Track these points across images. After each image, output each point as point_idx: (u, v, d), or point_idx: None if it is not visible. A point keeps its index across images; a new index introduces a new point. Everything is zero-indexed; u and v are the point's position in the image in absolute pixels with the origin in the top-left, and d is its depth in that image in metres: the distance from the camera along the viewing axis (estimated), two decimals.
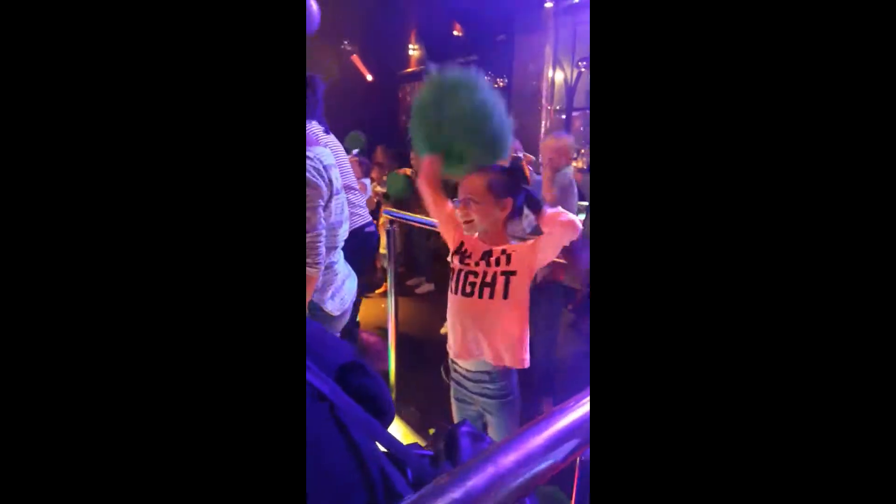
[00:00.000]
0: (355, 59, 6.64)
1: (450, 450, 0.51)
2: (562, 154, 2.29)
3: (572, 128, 5.82)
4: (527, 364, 1.12)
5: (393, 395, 1.90)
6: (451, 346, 1.18)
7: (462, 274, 1.13)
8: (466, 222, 1.11)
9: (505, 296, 1.08)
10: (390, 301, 1.75)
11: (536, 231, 1.82)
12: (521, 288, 1.09)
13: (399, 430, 1.74)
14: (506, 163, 1.17)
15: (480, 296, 1.10)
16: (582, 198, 2.59)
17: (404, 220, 1.66)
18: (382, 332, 1.92)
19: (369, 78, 6.87)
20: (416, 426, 1.75)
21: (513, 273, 1.08)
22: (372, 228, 2.14)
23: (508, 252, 1.09)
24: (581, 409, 0.38)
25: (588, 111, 5.73)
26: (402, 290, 3.40)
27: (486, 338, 1.11)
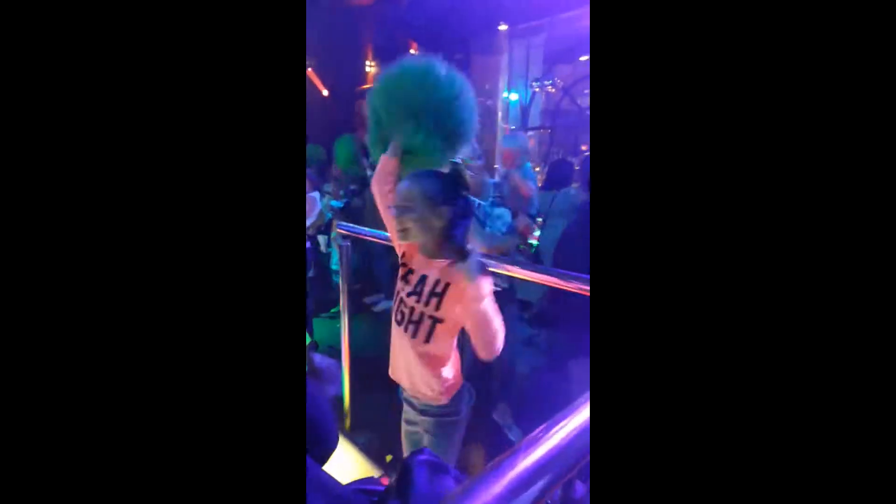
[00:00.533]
0: (311, 73, 6.55)
1: (401, 485, 0.44)
2: (518, 154, 2.40)
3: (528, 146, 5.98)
4: (444, 402, 1.07)
5: (347, 421, 1.79)
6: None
7: (398, 298, 1.09)
8: (401, 231, 1.02)
9: (427, 340, 1.03)
10: (343, 320, 1.66)
11: (509, 232, 1.79)
12: (445, 337, 1.03)
13: (354, 458, 1.64)
14: (446, 168, 1.09)
15: (406, 330, 1.06)
16: (538, 213, 2.64)
17: (358, 235, 1.59)
18: (336, 352, 1.81)
19: (325, 93, 6.78)
20: (373, 453, 1.66)
21: (440, 321, 1.02)
22: (307, 245, 2.05)
23: (442, 287, 1.00)
24: (551, 440, 0.34)
25: (543, 130, 5.91)
26: (358, 308, 3.29)
27: (406, 370, 1.08)
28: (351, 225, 1.65)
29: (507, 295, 1.99)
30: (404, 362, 1.08)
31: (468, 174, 1.03)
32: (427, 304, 1.02)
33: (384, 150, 1.13)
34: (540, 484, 0.31)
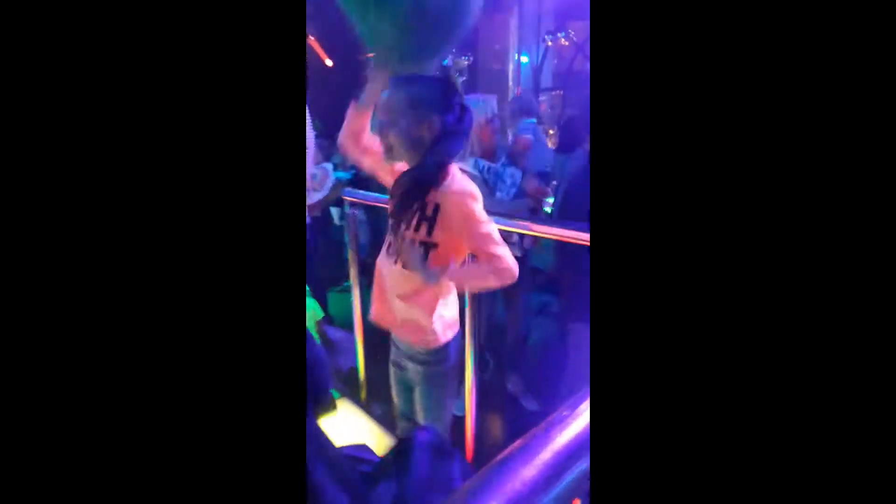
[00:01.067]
0: (313, 42, 6.36)
1: (399, 464, 0.39)
2: (519, 113, 2.28)
3: (539, 110, 5.76)
4: (432, 346, 0.96)
5: (363, 392, 1.78)
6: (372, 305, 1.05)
7: (389, 233, 0.97)
8: (386, 149, 0.88)
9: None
10: (354, 291, 1.62)
11: (520, 195, 1.68)
12: (441, 264, 0.89)
13: (370, 428, 1.63)
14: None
15: (395, 262, 0.93)
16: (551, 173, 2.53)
17: (364, 201, 1.52)
18: (349, 325, 1.78)
19: (329, 63, 6.60)
20: (389, 423, 1.64)
21: (433, 246, 0.88)
22: (308, 222, 1.98)
23: (432, 209, 0.86)
24: (570, 428, 0.28)
25: (555, 92, 5.68)
26: (371, 281, 3.25)
27: (394, 309, 0.97)
28: (357, 191, 1.58)
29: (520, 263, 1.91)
30: (391, 300, 0.97)
31: (459, 80, 0.86)
32: (417, 229, 0.89)
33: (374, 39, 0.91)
34: (578, 467, 0.25)
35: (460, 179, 0.88)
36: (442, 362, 0.99)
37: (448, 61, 0.87)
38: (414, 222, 0.89)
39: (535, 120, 2.34)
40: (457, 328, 1.02)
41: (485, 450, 1.34)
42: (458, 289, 0.89)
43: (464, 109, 0.87)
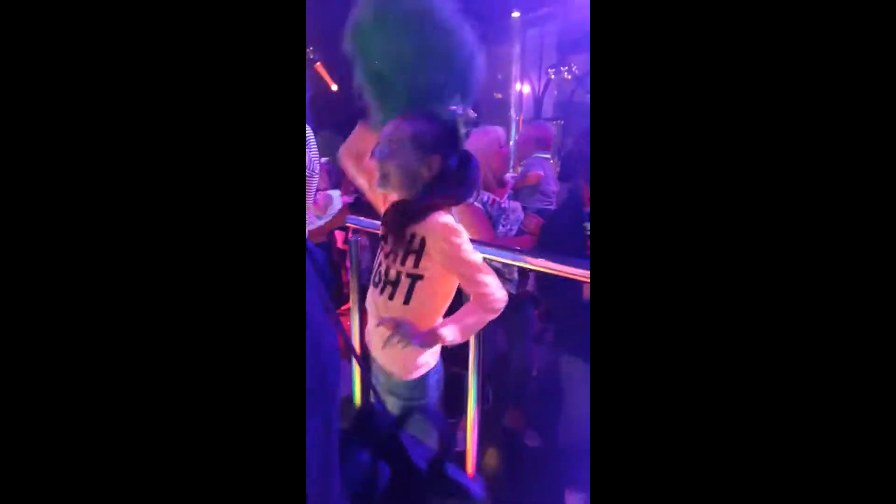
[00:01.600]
0: (319, 67, 6.50)
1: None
2: (534, 143, 2.32)
3: (549, 146, 5.83)
4: (410, 377, 0.97)
5: None
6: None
7: (377, 261, 0.99)
8: (381, 177, 0.89)
9: (406, 301, 0.91)
10: (353, 317, 1.59)
11: (521, 232, 1.68)
12: (427, 297, 0.91)
13: None
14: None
15: (382, 292, 0.94)
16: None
17: (370, 230, 1.51)
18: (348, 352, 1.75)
19: (334, 88, 6.73)
20: None
21: (419, 277, 0.89)
22: (310, 246, 1.97)
23: (418, 243, 0.87)
24: None
25: (555, 122, 5.79)
26: None
27: (380, 337, 0.97)
28: (359, 218, 1.58)
29: (518, 298, 1.90)
30: (378, 329, 0.97)
31: (464, 127, 0.89)
32: (404, 262, 0.91)
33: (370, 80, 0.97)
34: None
35: (443, 215, 0.90)
36: (420, 398, 0.97)
37: (459, 110, 0.88)
38: (400, 255, 0.91)
39: (549, 155, 2.38)
40: (436, 359, 1.01)
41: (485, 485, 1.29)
42: (458, 340, 0.88)
43: (467, 157, 0.90)
